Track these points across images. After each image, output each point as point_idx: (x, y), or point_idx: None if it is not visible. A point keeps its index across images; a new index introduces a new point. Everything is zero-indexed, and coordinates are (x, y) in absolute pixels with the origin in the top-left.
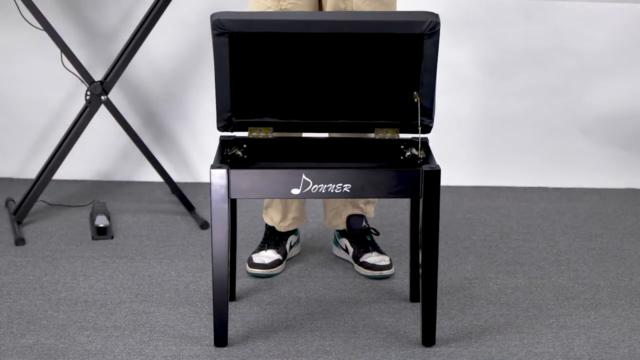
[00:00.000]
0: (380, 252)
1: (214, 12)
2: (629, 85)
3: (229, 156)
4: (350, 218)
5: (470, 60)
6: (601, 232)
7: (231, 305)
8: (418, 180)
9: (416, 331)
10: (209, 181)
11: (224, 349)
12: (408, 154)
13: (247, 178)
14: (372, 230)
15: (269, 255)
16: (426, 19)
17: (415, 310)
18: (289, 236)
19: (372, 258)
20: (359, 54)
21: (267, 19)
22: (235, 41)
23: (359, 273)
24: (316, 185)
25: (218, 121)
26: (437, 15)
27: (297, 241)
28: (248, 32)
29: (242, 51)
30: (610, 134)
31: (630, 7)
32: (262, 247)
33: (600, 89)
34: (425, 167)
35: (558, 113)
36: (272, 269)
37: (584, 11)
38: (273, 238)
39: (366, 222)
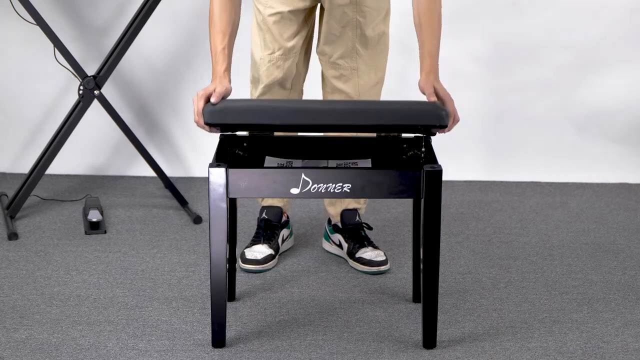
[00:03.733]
0: (375, 247)
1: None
2: (622, 79)
3: (228, 154)
4: (343, 213)
5: (464, 55)
6: (594, 226)
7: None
8: (419, 180)
9: (409, 325)
10: (203, 176)
11: None
12: (410, 153)
13: (245, 177)
14: (364, 225)
15: (261, 251)
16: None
17: (407, 305)
18: (281, 230)
19: (368, 254)
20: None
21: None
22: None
23: (354, 268)
24: (316, 185)
25: None
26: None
27: (290, 234)
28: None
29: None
30: (604, 129)
31: (624, 1)
32: (254, 241)
33: (594, 83)
34: (426, 167)
35: (551, 108)
36: (265, 265)
37: (577, 5)
38: (265, 232)
39: (359, 216)
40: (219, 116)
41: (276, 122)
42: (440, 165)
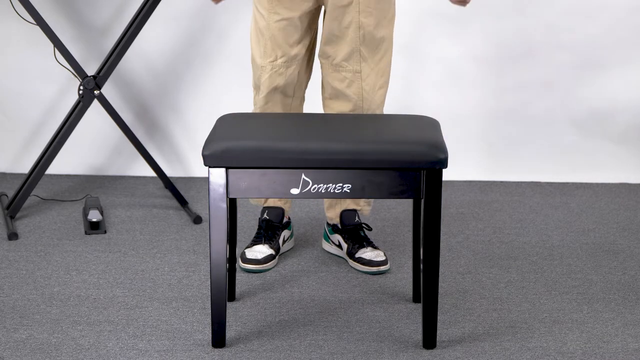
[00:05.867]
0: (375, 247)
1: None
2: (622, 79)
3: None
4: (343, 213)
5: (464, 55)
6: (594, 226)
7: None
8: (419, 180)
9: (409, 325)
10: (203, 176)
11: None
12: None
13: (245, 177)
14: (364, 226)
15: (262, 250)
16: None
17: (407, 305)
18: (282, 231)
19: (367, 254)
20: None
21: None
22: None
23: (354, 269)
24: (316, 185)
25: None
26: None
27: (291, 236)
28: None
29: None
30: (604, 129)
31: (624, 1)
32: (255, 241)
33: (593, 83)
34: (426, 167)
35: (551, 108)
36: (265, 265)
37: (577, 5)
38: (267, 233)
39: (359, 217)
40: (222, 160)
41: (278, 165)
42: (440, 166)
